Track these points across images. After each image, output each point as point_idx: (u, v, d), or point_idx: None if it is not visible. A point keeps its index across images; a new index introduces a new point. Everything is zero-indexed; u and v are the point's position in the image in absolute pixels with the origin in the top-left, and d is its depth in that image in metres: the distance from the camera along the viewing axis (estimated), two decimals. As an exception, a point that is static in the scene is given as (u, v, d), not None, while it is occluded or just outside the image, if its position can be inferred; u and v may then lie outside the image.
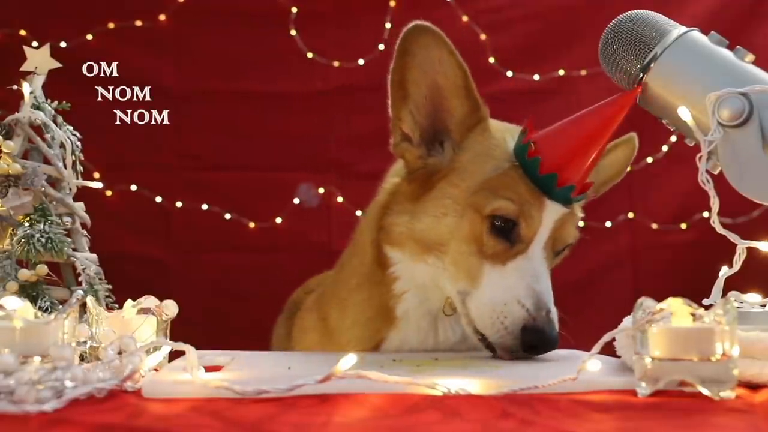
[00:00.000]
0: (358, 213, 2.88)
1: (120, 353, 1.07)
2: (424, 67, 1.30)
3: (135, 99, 2.84)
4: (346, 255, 1.55)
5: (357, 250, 1.50)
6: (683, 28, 1.18)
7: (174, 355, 1.18)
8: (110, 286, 1.46)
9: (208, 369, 1.10)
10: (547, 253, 1.31)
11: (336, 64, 2.88)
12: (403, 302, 1.40)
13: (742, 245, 1.12)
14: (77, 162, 1.49)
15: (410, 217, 1.35)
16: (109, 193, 2.79)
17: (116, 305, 1.41)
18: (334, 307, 1.50)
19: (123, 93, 2.81)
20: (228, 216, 2.87)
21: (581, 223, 1.43)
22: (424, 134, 1.36)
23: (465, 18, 2.88)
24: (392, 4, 2.86)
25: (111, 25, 2.82)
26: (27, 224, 1.37)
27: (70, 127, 1.50)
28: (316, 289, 1.68)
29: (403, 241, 1.36)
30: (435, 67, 1.30)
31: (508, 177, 1.27)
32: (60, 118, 1.48)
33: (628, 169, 1.60)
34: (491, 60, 2.85)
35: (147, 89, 2.85)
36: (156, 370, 1.12)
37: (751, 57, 1.14)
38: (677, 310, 0.94)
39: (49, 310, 1.33)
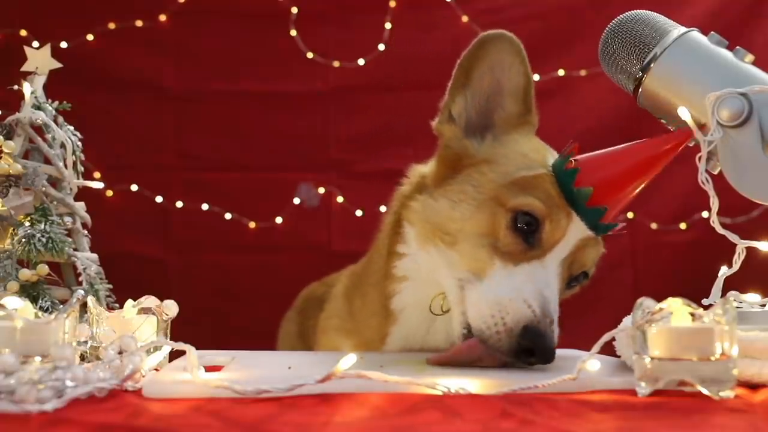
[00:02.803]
0: (358, 213, 2.89)
1: (120, 353, 1.07)
2: (494, 66, 1.34)
3: (135, 99, 2.84)
4: (372, 249, 1.54)
5: (378, 243, 1.49)
6: (683, 29, 1.18)
7: (174, 355, 1.18)
8: (111, 286, 1.47)
9: (208, 369, 1.10)
10: (563, 272, 1.24)
11: (336, 64, 2.88)
12: (400, 296, 1.38)
13: (741, 245, 1.12)
14: (78, 162, 1.49)
15: (428, 196, 1.34)
16: (109, 193, 2.79)
17: (117, 305, 1.41)
18: (358, 298, 1.50)
19: (123, 93, 2.82)
20: (228, 216, 2.87)
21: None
22: (469, 123, 1.37)
23: (465, 18, 2.88)
24: (392, 4, 2.86)
25: (111, 25, 2.83)
26: (28, 224, 1.37)
27: (71, 127, 1.50)
28: (342, 281, 1.66)
29: (416, 219, 1.34)
30: (504, 69, 1.34)
31: (540, 179, 1.24)
32: (61, 118, 1.48)
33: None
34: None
35: (147, 89, 2.86)
36: (156, 369, 1.12)
37: (750, 57, 1.14)
38: (677, 310, 0.94)
39: (50, 309, 1.33)
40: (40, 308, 1.32)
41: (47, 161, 1.44)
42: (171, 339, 1.18)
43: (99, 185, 1.64)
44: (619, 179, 1.22)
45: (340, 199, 2.89)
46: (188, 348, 1.04)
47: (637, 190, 1.25)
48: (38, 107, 1.44)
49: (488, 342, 1.17)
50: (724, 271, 1.14)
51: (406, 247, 1.37)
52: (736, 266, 1.13)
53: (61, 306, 1.27)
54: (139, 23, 2.85)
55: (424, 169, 1.43)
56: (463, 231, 1.27)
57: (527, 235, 1.22)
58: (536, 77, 2.85)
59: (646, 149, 1.21)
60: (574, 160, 1.23)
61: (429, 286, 1.36)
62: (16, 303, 1.03)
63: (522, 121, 1.36)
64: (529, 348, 1.14)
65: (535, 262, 1.21)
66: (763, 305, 1.13)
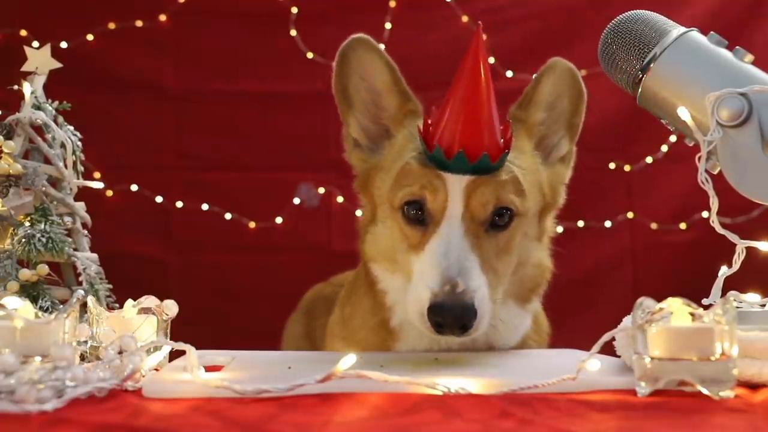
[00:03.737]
0: (358, 213, 2.88)
1: (120, 353, 1.07)
2: (361, 72, 1.40)
3: (135, 99, 2.84)
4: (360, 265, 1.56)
5: (360, 269, 1.51)
6: (682, 29, 1.18)
7: (174, 354, 1.18)
8: (111, 286, 1.47)
9: (208, 369, 1.11)
10: (470, 226, 1.25)
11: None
12: (395, 315, 1.41)
13: (741, 245, 1.12)
14: (78, 162, 1.49)
15: (370, 232, 1.41)
16: (109, 193, 2.79)
17: (117, 305, 1.41)
18: (348, 306, 1.54)
19: (123, 93, 2.81)
20: (228, 216, 2.87)
21: (533, 186, 1.36)
22: (372, 137, 1.43)
23: (465, 18, 2.88)
24: (392, 4, 2.85)
25: (111, 25, 2.82)
26: (28, 224, 1.37)
27: (71, 127, 1.50)
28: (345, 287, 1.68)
29: (374, 256, 1.41)
30: (369, 71, 1.39)
31: (409, 166, 1.30)
32: (61, 118, 1.48)
33: (584, 96, 1.46)
34: (491, 60, 2.84)
35: (147, 89, 2.85)
36: (156, 369, 1.13)
37: (750, 57, 1.14)
38: (677, 309, 0.94)
39: (50, 309, 1.33)
40: (40, 308, 1.32)
41: (47, 161, 1.44)
42: (171, 339, 1.18)
43: (99, 185, 1.64)
44: (458, 120, 1.23)
45: (340, 199, 2.89)
46: (188, 348, 1.04)
47: (491, 114, 1.24)
48: (38, 107, 1.44)
49: (426, 332, 1.23)
50: (724, 271, 1.14)
51: (382, 278, 1.41)
52: (736, 266, 1.13)
53: (61, 306, 1.27)
54: (139, 23, 2.84)
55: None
56: (394, 247, 1.34)
57: (420, 219, 1.28)
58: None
59: (461, 76, 1.24)
60: (430, 123, 1.28)
61: None
62: (16, 303, 1.03)
63: (406, 112, 1.40)
64: (440, 323, 1.18)
65: (434, 237, 1.25)
66: (763, 305, 1.13)
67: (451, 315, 1.17)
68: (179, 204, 2.85)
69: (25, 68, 1.47)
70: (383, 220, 1.37)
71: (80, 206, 1.48)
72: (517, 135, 1.34)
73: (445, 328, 1.19)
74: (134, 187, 2.83)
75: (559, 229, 2.80)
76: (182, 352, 1.06)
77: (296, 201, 2.89)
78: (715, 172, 1.14)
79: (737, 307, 1.06)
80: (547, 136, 1.44)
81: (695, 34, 1.17)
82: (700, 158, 1.12)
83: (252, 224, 2.89)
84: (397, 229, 1.33)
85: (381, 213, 1.38)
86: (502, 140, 1.26)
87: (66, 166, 1.45)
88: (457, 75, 1.25)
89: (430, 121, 1.29)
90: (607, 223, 2.85)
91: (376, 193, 1.39)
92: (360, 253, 1.47)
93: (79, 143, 1.50)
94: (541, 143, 1.44)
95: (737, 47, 1.15)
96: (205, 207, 2.86)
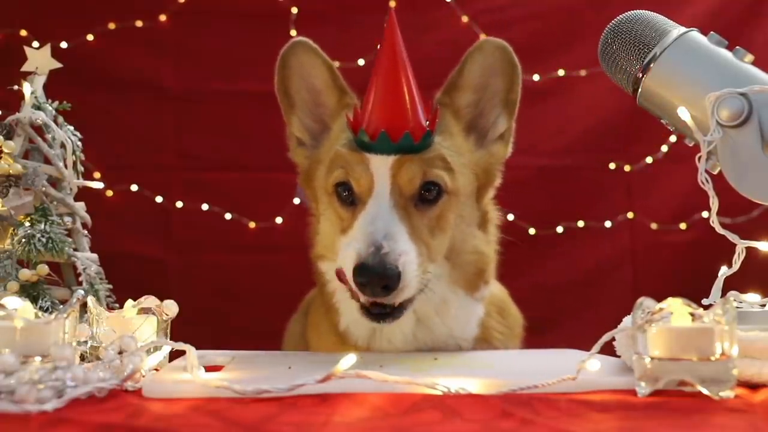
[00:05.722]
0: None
1: (120, 353, 1.07)
2: (301, 73, 1.45)
3: (135, 99, 2.84)
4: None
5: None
6: (682, 29, 1.18)
7: (174, 354, 1.18)
8: (111, 286, 1.47)
9: (208, 369, 1.11)
10: (398, 200, 1.29)
11: (336, 64, 2.87)
12: (342, 318, 1.43)
13: (741, 245, 1.12)
14: (78, 162, 1.49)
15: (317, 232, 1.45)
16: (109, 193, 2.79)
17: (117, 305, 1.41)
18: (312, 314, 1.61)
19: (123, 93, 2.81)
20: (228, 216, 2.87)
21: (460, 160, 1.38)
22: (314, 134, 1.49)
23: (465, 18, 2.87)
24: (392, 4, 2.85)
25: (111, 25, 2.82)
26: (28, 224, 1.37)
27: (71, 128, 1.50)
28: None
29: (320, 253, 1.44)
30: (309, 71, 1.45)
31: (339, 151, 1.35)
32: (61, 119, 1.48)
33: (518, 70, 1.47)
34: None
35: (147, 89, 2.85)
36: (156, 369, 1.13)
37: (750, 57, 1.14)
38: (677, 310, 0.94)
39: (50, 309, 1.33)
40: (40, 308, 1.32)
41: (47, 161, 1.44)
42: (171, 339, 1.18)
43: (99, 185, 1.64)
44: (379, 101, 1.28)
45: (339, 199, 2.89)
46: (188, 348, 1.04)
47: (412, 95, 1.28)
48: (38, 107, 1.44)
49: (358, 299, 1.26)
50: (724, 271, 1.14)
51: (329, 276, 1.42)
52: (736, 266, 1.13)
53: (61, 306, 1.27)
54: (139, 23, 2.84)
55: None
56: (334, 235, 1.37)
57: (351, 200, 1.34)
58: (536, 77, 2.86)
59: (380, 56, 1.29)
60: (356, 108, 1.33)
61: None
62: (16, 303, 1.03)
63: (343, 105, 1.45)
64: (364, 282, 1.21)
65: (362, 213, 1.29)
66: (763, 305, 1.13)
67: (375, 274, 1.20)
68: (179, 204, 2.85)
69: (25, 68, 1.47)
70: (324, 212, 1.42)
71: (80, 206, 1.48)
72: (445, 119, 1.38)
73: (368, 288, 1.21)
74: (134, 187, 2.83)
75: (559, 229, 2.83)
76: (182, 352, 1.06)
77: (296, 201, 2.89)
78: (715, 172, 1.14)
79: (737, 307, 1.06)
80: (483, 116, 1.46)
81: (695, 34, 1.17)
82: (700, 158, 1.12)
83: (252, 224, 2.89)
84: (333, 215, 1.38)
85: (322, 206, 1.42)
86: (427, 122, 1.30)
87: (66, 166, 1.45)
88: (376, 60, 1.30)
89: (356, 108, 1.35)
90: (607, 223, 2.84)
91: (316, 185, 1.44)
92: (311, 257, 1.50)
93: (79, 143, 1.50)
94: (476, 125, 1.46)
95: (737, 47, 1.15)
96: (205, 207, 2.85)
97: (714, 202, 1.12)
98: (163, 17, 2.85)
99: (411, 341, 1.40)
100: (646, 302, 0.96)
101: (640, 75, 1.18)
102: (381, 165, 1.29)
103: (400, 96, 1.26)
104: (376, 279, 1.20)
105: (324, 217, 1.42)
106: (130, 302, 1.21)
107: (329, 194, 1.37)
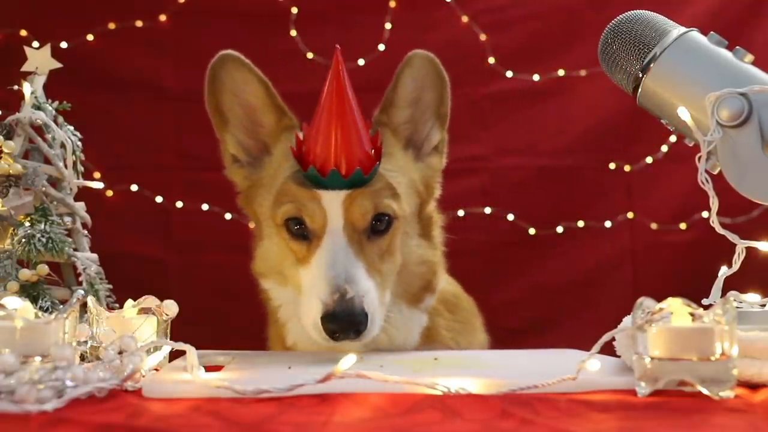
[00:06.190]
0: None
1: (120, 353, 1.07)
2: (234, 90, 1.44)
3: (135, 99, 2.84)
4: None
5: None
6: (683, 29, 1.18)
7: (174, 354, 1.18)
8: (111, 286, 1.47)
9: (208, 369, 1.11)
10: (352, 235, 1.30)
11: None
12: (289, 333, 1.45)
13: (741, 245, 1.12)
14: (78, 162, 1.49)
15: (259, 247, 1.46)
16: (109, 193, 2.79)
17: (117, 305, 1.41)
18: (268, 326, 1.63)
19: (123, 93, 2.81)
20: (228, 216, 2.86)
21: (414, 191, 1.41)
22: (251, 152, 1.47)
23: (465, 18, 2.87)
24: (392, 4, 2.85)
25: (111, 25, 2.82)
26: (28, 224, 1.37)
27: (71, 128, 1.50)
28: None
29: (263, 271, 1.46)
30: (241, 87, 1.43)
31: (287, 185, 1.33)
32: (61, 119, 1.48)
33: (446, 83, 1.46)
34: (491, 60, 2.84)
35: (147, 89, 2.85)
36: (156, 369, 1.12)
37: (750, 57, 1.14)
38: (677, 309, 0.94)
39: (50, 309, 1.33)
40: (40, 308, 1.32)
41: (47, 161, 1.44)
42: (171, 339, 1.18)
43: (99, 185, 1.64)
44: (327, 137, 1.27)
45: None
46: (188, 348, 1.04)
47: (358, 130, 1.29)
48: (38, 107, 1.44)
49: (323, 342, 1.26)
50: (724, 271, 1.14)
51: (274, 294, 1.46)
52: (736, 266, 1.13)
53: (61, 306, 1.27)
54: (139, 23, 2.84)
55: None
56: (282, 261, 1.37)
57: (304, 234, 1.32)
58: (536, 77, 2.86)
59: (327, 91, 1.28)
60: (304, 139, 1.31)
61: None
62: (16, 303, 1.03)
63: (282, 127, 1.43)
64: (334, 330, 1.22)
65: (318, 250, 1.29)
66: (763, 305, 1.13)
67: (344, 321, 1.22)
68: (179, 204, 2.85)
69: (25, 68, 1.47)
70: (269, 236, 1.42)
71: (80, 206, 1.48)
72: (385, 139, 1.38)
73: (340, 335, 1.23)
74: (134, 187, 2.82)
75: (559, 229, 2.83)
76: (182, 352, 1.06)
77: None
78: (715, 172, 1.14)
79: (737, 307, 1.06)
80: (417, 130, 1.48)
81: (695, 34, 1.17)
82: (700, 158, 1.12)
83: (252, 224, 2.89)
84: (283, 245, 1.37)
85: (266, 229, 1.42)
86: (372, 150, 1.31)
87: (66, 166, 1.45)
88: (322, 95, 1.29)
89: (302, 138, 1.32)
90: (607, 223, 2.85)
91: (258, 210, 1.43)
92: (252, 271, 1.51)
93: (79, 143, 1.50)
94: (412, 139, 1.48)
95: (737, 47, 1.15)
96: (205, 207, 2.85)
97: (714, 202, 1.12)
98: (163, 17, 2.85)
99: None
100: (646, 302, 0.96)
101: (640, 75, 1.18)
102: (333, 200, 1.30)
103: (349, 132, 1.27)
104: (347, 325, 1.22)
105: (270, 241, 1.42)
106: (130, 302, 1.21)
107: (278, 226, 1.37)
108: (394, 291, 1.38)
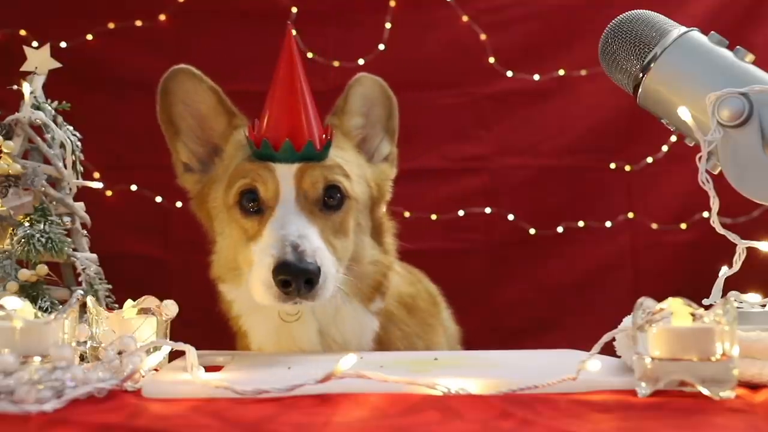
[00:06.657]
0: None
1: (120, 353, 1.07)
2: (184, 99, 1.47)
3: (135, 99, 2.84)
4: None
5: None
6: (683, 28, 1.18)
7: (174, 355, 1.18)
8: (110, 286, 1.47)
9: (208, 369, 1.10)
10: (305, 204, 1.34)
11: (336, 64, 2.87)
12: (252, 342, 1.47)
13: (742, 245, 1.12)
14: (77, 162, 1.49)
15: (214, 253, 1.49)
16: (109, 193, 2.78)
17: (116, 305, 1.41)
18: None
19: (123, 93, 2.81)
20: (228, 216, 2.87)
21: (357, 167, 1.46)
22: (202, 159, 1.51)
23: (465, 18, 2.87)
24: (392, 4, 2.85)
25: (111, 25, 2.82)
26: (27, 224, 1.37)
27: (70, 128, 1.50)
28: None
29: (221, 275, 1.48)
30: (193, 97, 1.47)
31: (241, 165, 1.39)
32: (60, 118, 1.48)
33: (394, 102, 1.56)
34: (491, 60, 2.84)
35: (147, 89, 2.85)
36: (156, 370, 1.12)
37: (751, 57, 1.14)
38: (677, 310, 0.94)
39: (50, 310, 1.33)
40: (40, 308, 1.32)
41: (47, 161, 1.44)
42: (171, 339, 1.18)
43: (99, 185, 1.64)
44: (276, 113, 1.34)
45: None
46: (188, 348, 1.04)
47: (309, 107, 1.35)
48: (38, 107, 1.44)
49: (274, 304, 1.28)
50: (724, 271, 1.14)
51: (233, 299, 1.49)
52: (736, 266, 1.13)
53: (61, 306, 1.27)
54: (138, 23, 2.84)
55: None
56: (236, 252, 1.39)
57: (255, 209, 1.36)
58: (536, 77, 2.86)
59: (279, 74, 1.34)
60: (257, 121, 1.36)
61: (264, 311, 1.41)
62: (15, 303, 1.03)
63: (234, 126, 1.48)
64: (287, 280, 1.23)
65: (271, 218, 1.32)
66: (764, 305, 1.13)
67: (296, 269, 1.23)
68: (179, 204, 2.85)
69: (24, 68, 1.47)
70: (221, 231, 1.44)
71: (80, 206, 1.48)
72: (338, 137, 1.44)
73: (292, 288, 1.24)
74: (134, 187, 2.82)
75: (560, 229, 2.82)
76: (182, 353, 1.06)
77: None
78: (716, 172, 1.14)
79: (738, 308, 1.06)
80: (368, 139, 1.56)
81: (696, 34, 1.17)
82: (700, 158, 1.12)
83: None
84: (235, 229, 1.39)
85: (218, 225, 1.45)
86: (324, 135, 1.37)
87: (65, 166, 1.44)
88: (274, 73, 1.34)
89: (256, 123, 1.38)
90: (607, 223, 2.85)
91: (211, 205, 1.46)
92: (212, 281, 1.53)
93: (79, 143, 1.50)
94: (364, 145, 1.55)
95: (738, 47, 1.15)
96: (205, 207, 2.85)
97: (714, 202, 1.12)
98: (162, 17, 2.85)
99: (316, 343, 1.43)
100: (646, 302, 0.96)
101: (641, 75, 1.18)
102: (286, 172, 1.34)
103: (300, 107, 1.33)
104: (299, 274, 1.23)
105: (222, 235, 1.44)
106: (129, 302, 1.21)
107: (229, 208, 1.39)
108: (346, 287, 1.39)
